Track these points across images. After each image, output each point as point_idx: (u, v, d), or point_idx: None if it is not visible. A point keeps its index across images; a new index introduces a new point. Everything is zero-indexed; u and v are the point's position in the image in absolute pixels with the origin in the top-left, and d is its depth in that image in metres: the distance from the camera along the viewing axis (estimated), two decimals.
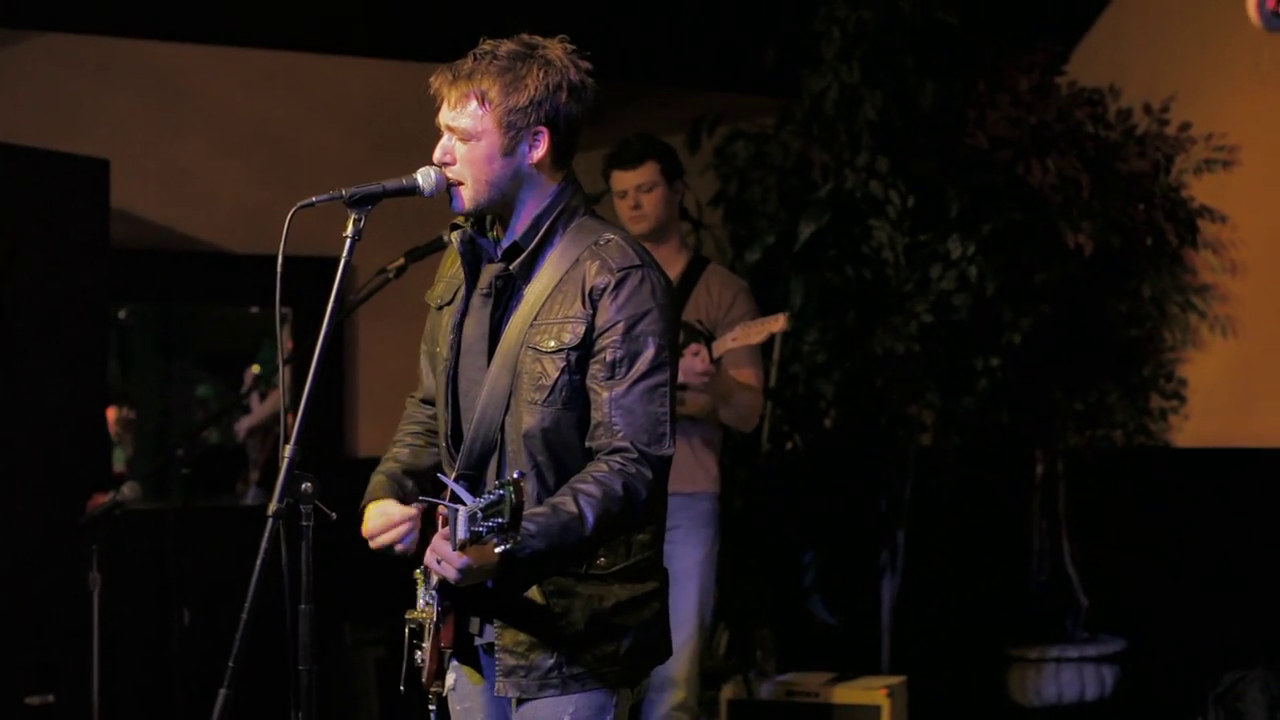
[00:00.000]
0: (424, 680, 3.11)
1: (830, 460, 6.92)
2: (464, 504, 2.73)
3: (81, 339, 5.76)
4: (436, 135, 3.05)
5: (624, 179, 5.02)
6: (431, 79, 3.03)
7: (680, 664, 4.88)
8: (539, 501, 2.90)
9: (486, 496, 2.67)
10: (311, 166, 6.82)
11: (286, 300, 2.89)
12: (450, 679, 3.14)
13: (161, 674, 6.00)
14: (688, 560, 4.92)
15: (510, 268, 3.04)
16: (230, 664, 2.80)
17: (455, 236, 3.14)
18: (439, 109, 3.04)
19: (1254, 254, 7.03)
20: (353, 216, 2.95)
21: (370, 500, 3.14)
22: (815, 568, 6.96)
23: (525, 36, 3.02)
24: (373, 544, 3.09)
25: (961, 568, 7.27)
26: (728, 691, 6.04)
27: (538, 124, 2.98)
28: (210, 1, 6.72)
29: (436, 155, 3.02)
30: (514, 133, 2.97)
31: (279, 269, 2.92)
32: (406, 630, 3.15)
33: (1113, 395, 7.25)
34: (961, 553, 7.26)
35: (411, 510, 3.07)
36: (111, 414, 6.69)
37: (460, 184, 3.01)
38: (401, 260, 4.44)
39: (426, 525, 3.09)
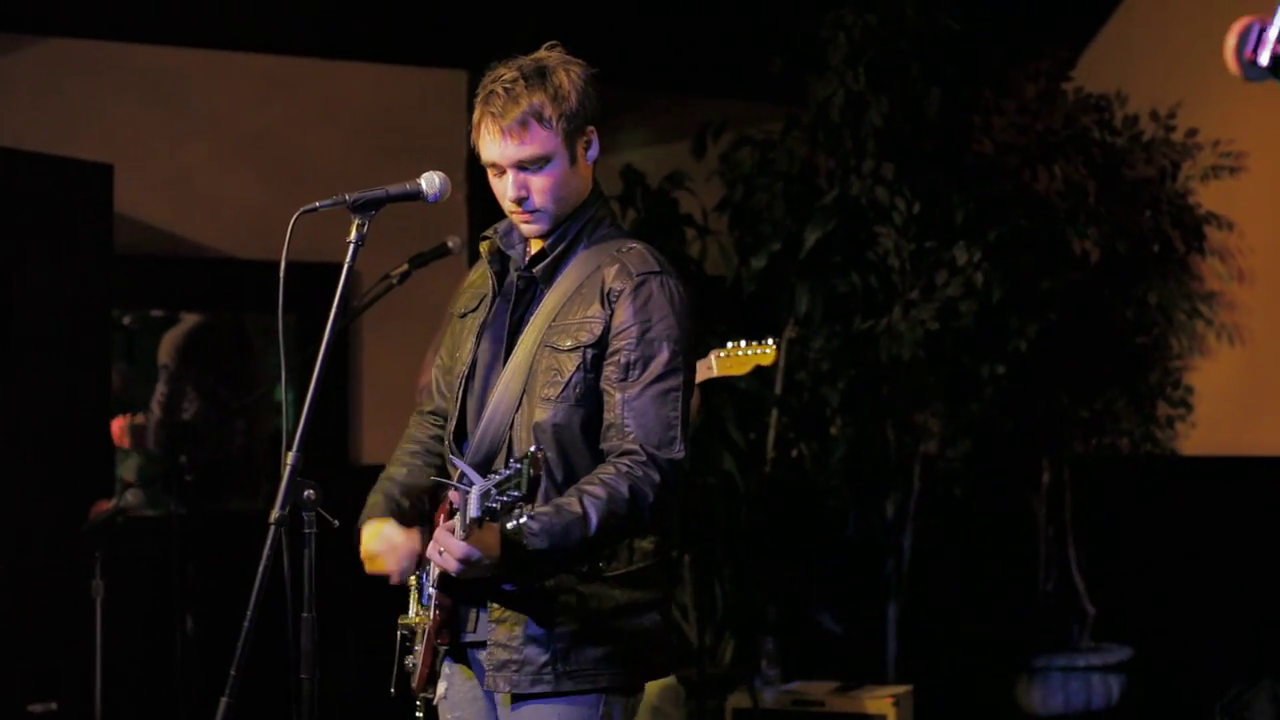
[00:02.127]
0: (414, 684, 3.10)
1: (836, 467, 6.89)
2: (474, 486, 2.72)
3: (85, 344, 5.75)
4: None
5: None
6: (475, 122, 2.99)
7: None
8: (545, 499, 2.89)
9: (501, 473, 2.66)
10: (314, 171, 6.81)
11: (289, 306, 2.86)
12: (441, 687, 3.12)
13: (164, 681, 5.98)
14: None
15: (535, 271, 3.06)
16: (232, 672, 2.78)
17: (485, 247, 3.15)
18: (482, 147, 3.00)
19: (1261, 261, 7.01)
20: (356, 222, 2.93)
21: (368, 519, 3.15)
22: (820, 576, 6.93)
23: (518, 58, 3.00)
24: (369, 566, 3.10)
25: (967, 576, 7.25)
26: (733, 700, 6.02)
27: (586, 123, 3.00)
28: (213, 7, 6.72)
29: (511, 194, 2.99)
30: (574, 140, 2.99)
31: (282, 274, 2.90)
32: (398, 635, 3.16)
33: (1119, 403, 7.23)
34: (967, 561, 7.24)
35: (415, 537, 3.07)
36: (122, 422, 6.67)
37: (536, 213, 3.00)
38: (405, 266, 4.41)
39: (428, 537, 3.08)
